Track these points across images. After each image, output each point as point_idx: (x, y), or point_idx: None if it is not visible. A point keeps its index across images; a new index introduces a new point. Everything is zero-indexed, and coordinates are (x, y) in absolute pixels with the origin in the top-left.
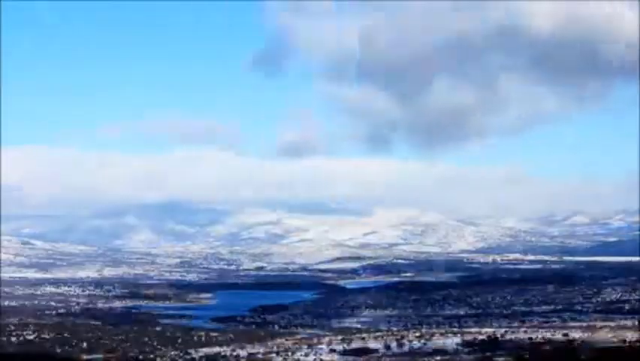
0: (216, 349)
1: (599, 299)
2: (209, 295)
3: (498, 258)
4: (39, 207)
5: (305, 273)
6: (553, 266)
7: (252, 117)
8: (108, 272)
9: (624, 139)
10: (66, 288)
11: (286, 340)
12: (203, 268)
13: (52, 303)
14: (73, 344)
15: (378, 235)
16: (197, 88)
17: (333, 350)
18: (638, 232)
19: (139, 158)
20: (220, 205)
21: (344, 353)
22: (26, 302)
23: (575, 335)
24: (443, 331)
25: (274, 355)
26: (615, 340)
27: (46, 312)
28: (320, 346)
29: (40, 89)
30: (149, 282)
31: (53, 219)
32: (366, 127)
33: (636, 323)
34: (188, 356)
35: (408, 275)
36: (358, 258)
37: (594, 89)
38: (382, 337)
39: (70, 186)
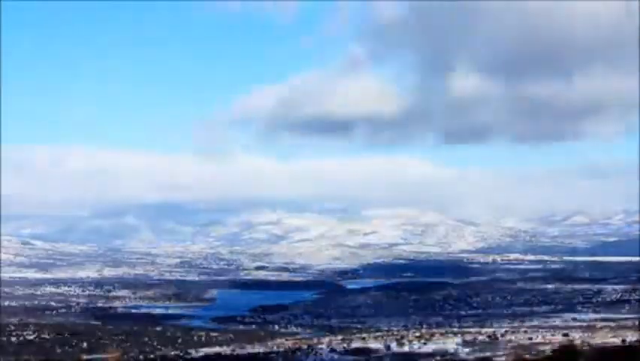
0: (216, 349)
1: (599, 299)
2: (209, 295)
3: (498, 258)
4: (39, 207)
5: (305, 273)
6: (553, 266)
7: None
8: (108, 272)
9: None
10: (66, 288)
11: (286, 340)
12: (203, 268)
13: (52, 303)
14: (73, 344)
15: (378, 235)
16: (197, 87)
17: (333, 350)
18: (638, 232)
19: (140, 157)
20: (220, 205)
21: (344, 353)
22: (26, 302)
23: (575, 335)
24: (443, 331)
25: (274, 355)
26: (615, 340)
27: (46, 312)
28: (320, 346)
29: (39, 89)
30: (149, 282)
31: (53, 219)
32: None
33: (636, 323)
34: (188, 356)
35: (408, 275)
36: (358, 258)
37: None
38: (382, 337)
39: (70, 186)
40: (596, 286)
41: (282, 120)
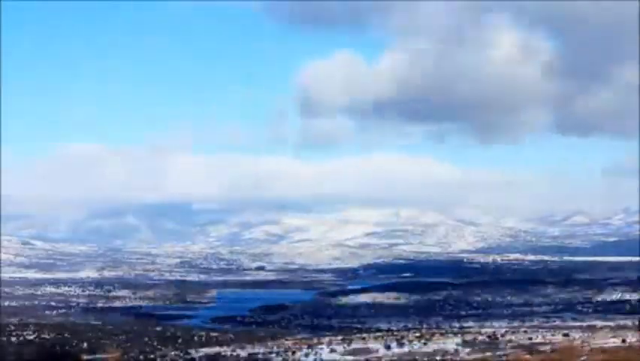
0: (216, 349)
1: (599, 299)
2: (209, 295)
3: (498, 258)
4: (39, 207)
5: (305, 273)
6: (553, 266)
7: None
8: (108, 272)
9: None
10: (66, 288)
11: (286, 340)
12: (204, 268)
13: (53, 303)
14: (74, 344)
15: (378, 235)
16: (197, 87)
17: (333, 350)
18: (638, 232)
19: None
20: (220, 205)
21: (344, 353)
22: (26, 302)
23: (575, 335)
24: (443, 331)
25: (274, 355)
26: (615, 340)
27: (47, 312)
28: (320, 346)
29: (39, 89)
30: (149, 282)
31: (53, 219)
32: None
33: (636, 322)
34: (188, 356)
35: (408, 275)
36: (358, 258)
37: None
38: (382, 337)
39: (70, 185)
40: (596, 286)
41: None
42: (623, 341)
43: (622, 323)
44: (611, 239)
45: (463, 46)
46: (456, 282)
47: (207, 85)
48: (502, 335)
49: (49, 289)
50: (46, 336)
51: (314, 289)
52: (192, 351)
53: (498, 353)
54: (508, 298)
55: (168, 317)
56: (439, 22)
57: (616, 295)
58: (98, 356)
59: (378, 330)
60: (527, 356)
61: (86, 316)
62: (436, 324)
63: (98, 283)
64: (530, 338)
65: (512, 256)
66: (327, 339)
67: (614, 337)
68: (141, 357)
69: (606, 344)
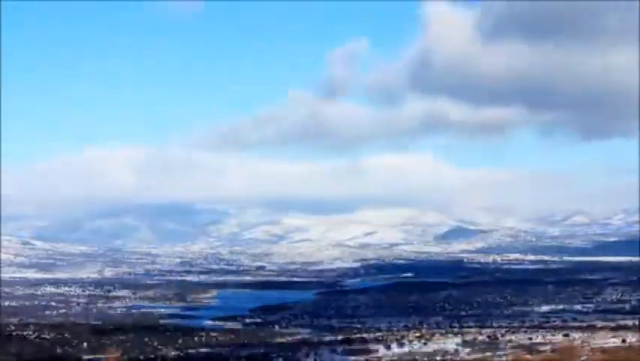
0: (216, 349)
1: (599, 299)
2: (209, 295)
3: (498, 258)
4: (39, 207)
5: (305, 273)
6: (553, 266)
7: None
8: (108, 272)
9: None
10: (66, 288)
11: (286, 340)
12: (204, 268)
13: (53, 303)
14: (74, 344)
15: (378, 235)
16: (199, 87)
17: (333, 350)
18: (638, 232)
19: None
20: (220, 205)
21: (344, 353)
22: (26, 302)
23: (575, 335)
24: (443, 331)
25: (274, 355)
26: (615, 340)
27: (47, 312)
28: (320, 346)
29: (39, 89)
30: (149, 282)
31: (53, 219)
32: None
33: (636, 322)
34: (188, 356)
35: (408, 275)
36: (358, 258)
37: None
38: (383, 337)
39: (70, 186)
40: (596, 286)
41: None
42: (623, 341)
43: (622, 323)
44: (611, 239)
45: None
46: (456, 282)
47: (203, 82)
48: (502, 335)
49: (49, 289)
50: (46, 336)
51: (314, 289)
52: (192, 351)
53: (498, 353)
54: (508, 298)
55: (168, 317)
56: None
57: (616, 295)
58: (98, 356)
59: (378, 330)
60: (527, 356)
61: (86, 316)
62: (436, 324)
63: (98, 283)
64: (530, 338)
65: (512, 256)
66: (327, 339)
67: (614, 337)
68: (141, 357)
69: (606, 344)
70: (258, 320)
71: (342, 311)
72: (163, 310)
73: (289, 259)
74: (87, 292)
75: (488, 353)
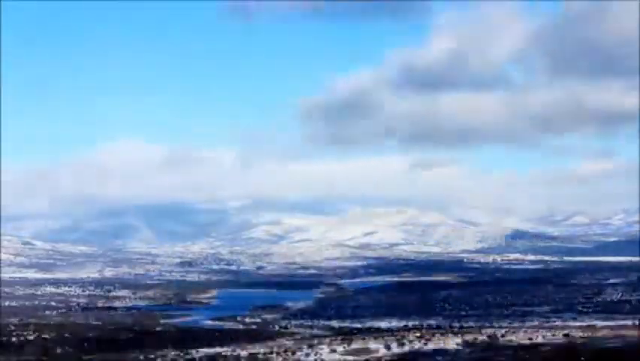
0: (216, 349)
1: (599, 299)
2: (209, 295)
3: (498, 258)
4: (39, 207)
5: (305, 273)
6: (553, 266)
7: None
8: (109, 272)
9: None
10: (66, 288)
11: (286, 340)
12: (204, 268)
13: (53, 303)
14: (74, 344)
15: (378, 235)
16: (203, 90)
17: (333, 350)
18: (638, 232)
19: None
20: (220, 205)
21: (344, 353)
22: (27, 302)
23: (576, 335)
24: (443, 331)
25: (274, 355)
26: (615, 340)
27: (47, 312)
28: (320, 346)
29: (39, 89)
30: (149, 282)
31: (53, 219)
32: None
33: (636, 322)
34: (188, 356)
35: (408, 275)
36: (358, 258)
37: None
38: (383, 337)
39: (71, 186)
40: (596, 286)
41: None
42: (624, 341)
43: (622, 323)
44: (611, 239)
45: None
46: (456, 282)
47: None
48: (502, 335)
49: (49, 289)
50: (46, 336)
51: (314, 289)
52: (192, 351)
53: (498, 353)
54: (508, 298)
55: (168, 317)
56: None
57: (616, 295)
58: (98, 356)
59: (378, 330)
60: (527, 356)
61: (86, 316)
62: (436, 324)
63: (98, 283)
64: (530, 338)
65: (512, 256)
66: (327, 339)
67: (614, 337)
68: (141, 357)
69: (606, 344)
70: (258, 320)
71: (342, 311)
72: (163, 310)
73: (289, 259)
74: (87, 292)
75: (488, 353)
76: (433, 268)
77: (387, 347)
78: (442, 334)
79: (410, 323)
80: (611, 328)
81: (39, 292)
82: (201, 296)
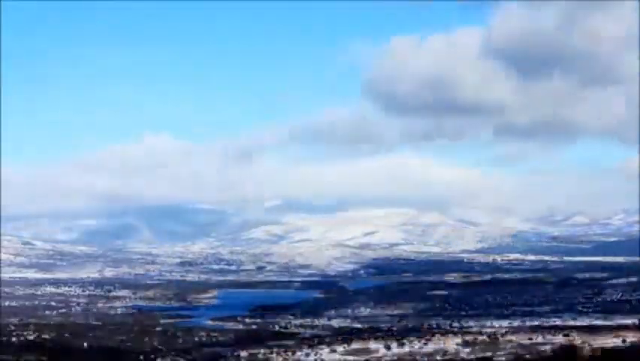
0: (216, 349)
1: (599, 299)
2: (209, 295)
3: (498, 258)
4: (39, 207)
5: (305, 273)
6: (553, 266)
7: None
8: (109, 272)
9: None
10: (66, 288)
11: (286, 340)
12: (204, 268)
13: (53, 303)
14: (74, 344)
15: (378, 235)
16: (204, 85)
17: (333, 350)
18: (638, 232)
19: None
20: (220, 205)
21: (344, 353)
22: (27, 302)
23: (576, 335)
24: (443, 331)
25: (274, 355)
26: (616, 340)
27: (47, 312)
28: (320, 346)
29: (39, 90)
30: (149, 282)
31: (53, 219)
32: None
33: (636, 322)
34: (188, 356)
35: (408, 275)
36: (358, 258)
37: None
38: (383, 337)
39: (71, 186)
40: (596, 286)
41: None
42: (623, 341)
43: (622, 322)
44: (611, 239)
45: None
46: (456, 282)
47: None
48: (502, 335)
49: (49, 289)
50: (46, 336)
51: (314, 289)
52: (192, 351)
53: (498, 353)
54: (508, 298)
55: (169, 317)
56: None
57: (616, 295)
58: (98, 356)
59: (378, 330)
60: (527, 356)
61: (86, 316)
62: (436, 324)
63: (99, 283)
64: (530, 338)
65: (512, 256)
66: (327, 339)
67: (614, 337)
68: (141, 357)
69: (606, 344)
70: (258, 320)
71: (342, 311)
72: (163, 310)
73: (289, 259)
74: (87, 292)
75: (488, 353)
76: (433, 268)
77: (388, 347)
78: (442, 334)
79: (410, 323)
80: (611, 328)
81: (39, 292)
82: (201, 296)
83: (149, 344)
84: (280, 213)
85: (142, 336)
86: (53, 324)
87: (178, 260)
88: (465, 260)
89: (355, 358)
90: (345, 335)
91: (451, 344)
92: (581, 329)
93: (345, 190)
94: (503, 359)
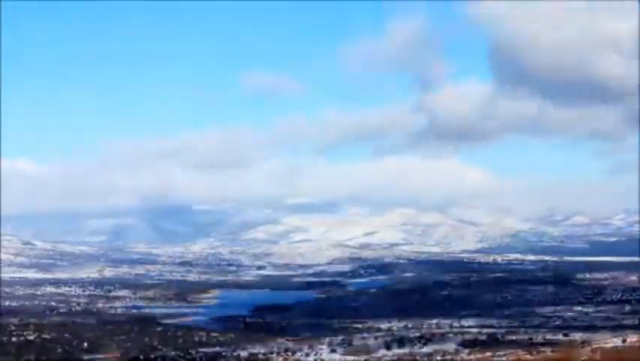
0: (216, 349)
1: (599, 299)
2: (209, 295)
3: (498, 258)
4: (39, 207)
5: (305, 273)
6: (553, 266)
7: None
8: (109, 272)
9: None
10: (66, 288)
11: (286, 340)
12: (204, 268)
13: (53, 303)
14: (74, 344)
15: (378, 235)
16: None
17: (333, 350)
18: (638, 232)
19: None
20: (220, 205)
21: (344, 353)
22: (27, 302)
23: (575, 335)
24: (444, 331)
25: (274, 355)
26: (615, 340)
27: (47, 312)
28: (320, 346)
29: (39, 90)
30: (149, 282)
31: (53, 219)
32: None
33: (636, 322)
34: (188, 356)
35: (408, 275)
36: (359, 258)
37: None
38: (383, 337)
39: (72, 186)
40: (596, 286)
41: None
42: (623, 341)
43: (622, 323)
44: (611, 239)
45: None
46: (456, 282)
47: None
48: (502, 335)
49: (49, 289)
50: (46, 336)
51: (314, 289)
52: (192, 351)
53: (498, 353)
54: (509, 298)
55: (168, 317)
56: None
57: (616, 295)
58: (98, 356)
59: (379, 330)
60: (527, 356)
61: (86, 316)
62: (436, 324)
63: (99, 283)
64: (530, 338)
65: (512, 256)
66: (327, 339)
67: (614, 337)
68: (141, 357)
69: (606, 344)
70: (258, 320)
71: (342, 311)
72: (163, 310)
73: (289, 259)
74: (87, 292)
75: (488, 353)
76: (433, 268)
77: (388, 347)
78: (442, 334)
79: (410, 323)
80: (611, 328)
81: (39, 292)
82: (201, 296)
83: (149, 343)
84: (280, 213)
85: (142, 336)
86: (53, 324)
87: (178, 260)
88: (465, 260)
89: (355, 358)
90: (345, 335)
91: (451, 344)
92: (580, 329)
93: (345, 190)
94: (503, 359)
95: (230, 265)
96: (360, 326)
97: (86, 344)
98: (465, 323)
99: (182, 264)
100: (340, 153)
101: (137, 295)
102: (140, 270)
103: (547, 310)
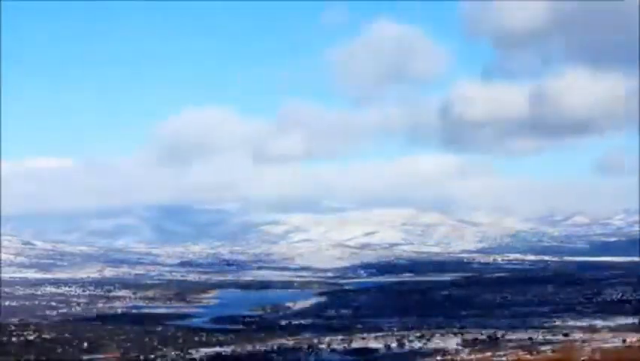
0: (216, 349)
1: (599, 299)
2: (209, 295)
3: (498, 258)
4: (39, 207)
5: (305, 273)
6: (554, 266)
7: None
8: (109, 272)
9: None
10: (67, 288)
11: (286, 340)
12: (204, 268)
13: (53, 303)
14: (74, 344)
15: (378, 235)
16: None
17: (333, 350)
18: (638, 232)
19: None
20: (221, 205)
21: (344, 353)
22: (27, 302)
23: (575, 335)
24: (444, 331)
25: (274, 355)
26: (615, 340)
27: (47, 312)
28: (320, 346)
29: (38, 90)
30: (149, 282)
31: (53, 219)
32: None
33: (636, 322)
34: (188, 356)
35: (408, 275)
36: (358, 258)
37: None
38: (383, 337)
39: (72, 186)
40: (596, 287)
41: None
42: (623, 341)
43: (622, 322)
44: (611, 239)
45: None
46: (456, 282)
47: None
48: (502, 335)
49: (50, 289)
50: (46, 336)
51: (314, 289)
52: (192, 351)
53: (498, 353)
54: (508, 298)
55: (168, 317)
56: None
57: (616, 295)
58: (98, 356)
59: (379, 330)
60: (527, 356)
61: (86, 316)
62: (436, 324)
63: (99, 283)
64: (530, 338)
65: (512, 256)
66: (327, 339)
67: (614, 337)
68: (141, 357)
69: (606, 344)
70: (258, 320)
71: (343, 311)
72: (163, 310)
73: (289, 259)
74: (87, 292)
75: (488, 353)
76: (433, 268)
77: (388, 347)
78: (442, 334)
79: (410, 323)
80: (611, 328)
81: (39, 292)
82: (201, 296)
83: (149, 343)
84: (280, 214)
85: (142, 336)
86: (53, 324)
87: (178, 260)
88: (465, 260)
89: (355, 358)
90: (345, 335)
91: (451, 344)
92: (580, 329)
93: (345, 190)
94: (504, 359)
95: (230, 265)
96: (360, 325)
97: (86, 344)
98: (465, 322)
99: (182, 264)
100: (340, 153)
101: (137, 295)
102: (140, 270)
103: (547, 310)
